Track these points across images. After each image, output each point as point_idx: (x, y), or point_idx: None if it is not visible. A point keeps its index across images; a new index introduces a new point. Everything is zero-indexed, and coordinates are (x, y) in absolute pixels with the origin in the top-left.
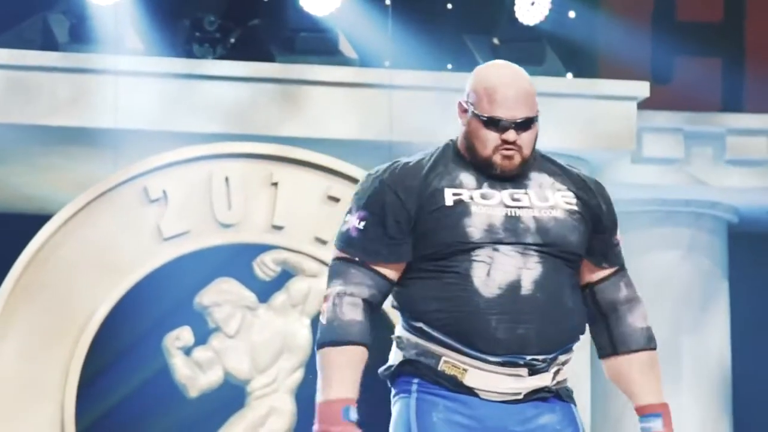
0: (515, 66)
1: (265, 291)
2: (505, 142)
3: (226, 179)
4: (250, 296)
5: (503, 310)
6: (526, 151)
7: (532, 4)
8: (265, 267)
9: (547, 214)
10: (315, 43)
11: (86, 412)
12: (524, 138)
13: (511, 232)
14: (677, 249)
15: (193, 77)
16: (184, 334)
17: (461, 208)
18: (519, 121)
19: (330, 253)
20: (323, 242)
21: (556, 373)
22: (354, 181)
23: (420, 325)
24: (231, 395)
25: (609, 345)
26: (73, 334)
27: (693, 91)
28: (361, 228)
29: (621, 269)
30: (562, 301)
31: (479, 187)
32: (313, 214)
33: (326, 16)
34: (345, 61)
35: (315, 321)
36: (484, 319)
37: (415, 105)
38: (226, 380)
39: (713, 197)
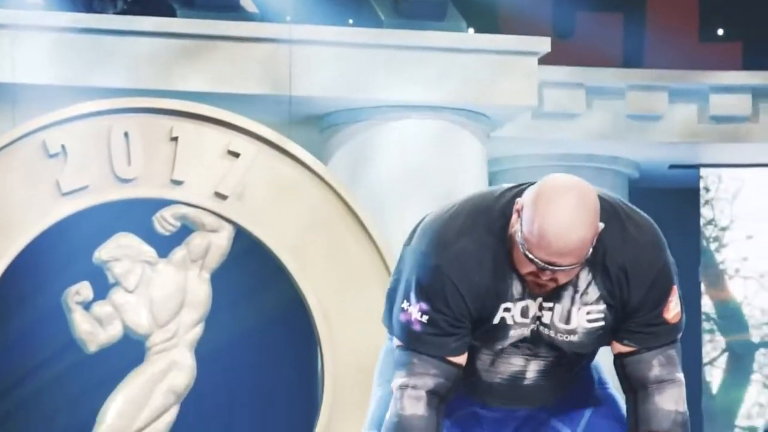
0: (584, 198)
1: (164, 246)
2: (539, 277)
3: (126, 134)
4: (150, 251)
5: (501, 394)
6: (563, 282)
7: None
8: (165, 222)
9: (562, 338)
10: None
11: None
12: (561, 277)
13: (529, 345)
14: None
15: (93, 32)
16: (84, 289)
17: (502, 330)
18: (557, 268)
19: (226, 207)
20: (223, 197)
21: None
22: (254, 136)
23: None
24: (131, 350)
25: (633, 420)
26: None
27: (594, 46)
28: (425, 321)
29: (657, 347)
30: (570, 379)
31: (522, 298)
32: (213, 169)
33: None
34: (246, 16)
35: (215, 276)
36: (479, 394)
37: (316, 60)
38: (126, 335)
39: (614, 152)
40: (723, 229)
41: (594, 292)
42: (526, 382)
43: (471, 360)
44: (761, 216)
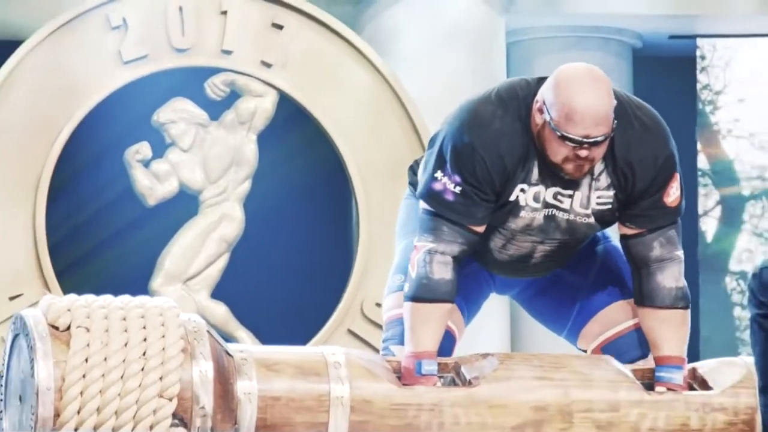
0: (598, 76)
1: (215, 110)
2: (577, 156)
3: (180, 8)
4: (203, 114)
5: (508, 270)
6: (597, 161)
7: None
8: (216, 88)
9: (581, 220)
10: None
11: (56, 220)
12: (597, 152)
13: (542, 232)
14: None
15: None
16: (143, 149)
17: (513, 207)
18: (593, 140)
19: (271, 74)
20: (268, 65)
21: None
22: (296, 10)
23: None
24: (186, 204)
25: (638, 295)
26: (43, 149)
27: None
28: (458, 192)
29: (657, 228)
30: (573, 254)
31: (538, 182)
32: (259, 40)
33: None
34: None
35: (261, 137)
36: (488, 267)
37: None
38: (181, 190)
39: (619, 24)
40: (717, 93)
41: (605, 180)
42: (533, 261)
43: (486, 240)
44: (752, 81)
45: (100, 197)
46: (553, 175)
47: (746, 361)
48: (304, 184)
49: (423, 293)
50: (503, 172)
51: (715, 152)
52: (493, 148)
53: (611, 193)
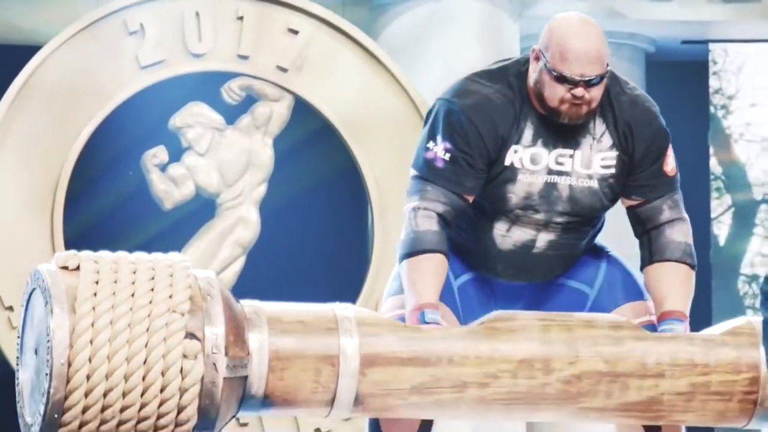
0: (590, 21)
1: (231, 114)
2: (573, 96)
3: (197, 13)
4: (219, 118)
5: (511, 263)
6: (594, 104)
7: None
8: (232, 92)
9: (583, 183)
10: None
11: (73, 223)
12: (593, 93)
13: (544, 200)
14: None
15: None
16: (160, 153)
17: (510, 173)
18: (588, 79)
19: (287, 79)
20: (284, 70)
21: None
22: (311, 15)
23: None
24: (202, 207)
25: (648, 255)
26: (61, 152)
27: None
28: (447, 159)
29: (664, 194)
30: (574, 253)
31: (534, 143)
32: (275, 45)
33: None
34: None
35: (277, 141)
36: (491, 262)
37: None
38: (198, 194)
39: (632, 29)
40: (729, 97)
41: (608, 140)
42: (536, 250)
43: (489, 227)
44: (763, 85)
45: (118, 201)
46: (553, 133)
47: (749, 319)
48: (319, 188)
49: (412, 247)
50: (496, 137)
51: (727, 156)
52: (483, 112)
53: (614, 153)
